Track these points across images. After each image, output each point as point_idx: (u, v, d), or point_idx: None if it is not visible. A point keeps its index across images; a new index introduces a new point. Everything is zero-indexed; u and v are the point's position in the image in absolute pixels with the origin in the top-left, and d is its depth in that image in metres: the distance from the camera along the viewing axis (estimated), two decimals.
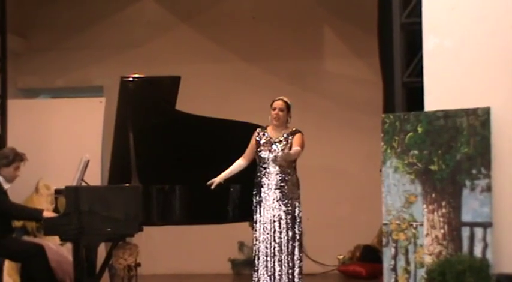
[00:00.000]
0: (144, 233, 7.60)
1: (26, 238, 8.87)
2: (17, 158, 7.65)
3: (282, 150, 7.11)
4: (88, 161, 7.71)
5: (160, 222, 7.67)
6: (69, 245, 8.18)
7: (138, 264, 7.43)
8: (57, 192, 7.68)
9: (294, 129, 7.24)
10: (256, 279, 7.12)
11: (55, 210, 7.68)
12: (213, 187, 7.29)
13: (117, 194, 7.46)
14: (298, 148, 7.02)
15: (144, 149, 7.65)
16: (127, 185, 7.52)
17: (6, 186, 7.58)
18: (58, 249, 8.83)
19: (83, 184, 7.58)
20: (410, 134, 5.92)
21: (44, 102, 11.35)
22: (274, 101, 7.24)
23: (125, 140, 7.64)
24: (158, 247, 9.84)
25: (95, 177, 8.84)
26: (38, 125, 10.25)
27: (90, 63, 11.11)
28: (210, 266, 10.27)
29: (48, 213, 7.50)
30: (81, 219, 7.23)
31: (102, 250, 7.97)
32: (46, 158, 9.82)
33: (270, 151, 7.17)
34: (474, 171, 5.65)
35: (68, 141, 9.85)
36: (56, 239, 8.08)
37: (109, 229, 7.31)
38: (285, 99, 7.26)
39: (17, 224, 9.14)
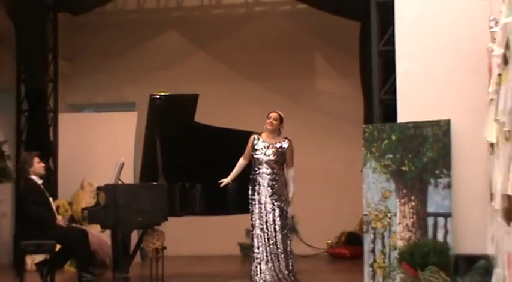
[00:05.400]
0: (169, 222, 7.63)
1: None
2: (33, 155, 7.56)
3: (274, 154, 7.16)
4: (123, 163, 7.73)
5: (181, 213, 7.68)
6: (108, 232, 8.19)
7: (164, 247, 7.44)
8: (98, 188, 7.68)
9: (285, 137, 7.25)
10: (257, 258, 7.15)
11: (96, 203, 7.69)
12: (221, 186, 7.34)
13: (147, 191, 7.49)
14: (293, 193, 7.26)
15: (168, 153, 7.67)
16: (155, 183, 7.55)
17: (39, 181, 7.55)
18: (99, 235, 8.83)
19: (119, 182, 7.61)
20: (386, 141, 5.92)
21: (88, 115, 11.37)
22: (270, 113, 7.28)
23: (153, 146, 7.66)
24: (180, 233, 9.83)
25: (129, 177, 8.86)
26: (83, 134, 10.28)
27: (125, 83, 11.12)
28: (222, 249, 10.27)
29: (60, 221, 7.44)
30: (118, 211, 7.25)
31: (135, 236, 8.00)
32: (89, 161, 9.85)
33: (264, 154, 7.19)
34: (437, 172, 5.67)
35: (106, 147, 9.86)
36: (98, 227, 8.10)
37: (140, 219, 7.33)
38: (279, 112, 7.29)
39: (66, 214, 9.17)
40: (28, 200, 7.33)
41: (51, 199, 7.66)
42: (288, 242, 7.17)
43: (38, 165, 7.46)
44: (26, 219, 7.50)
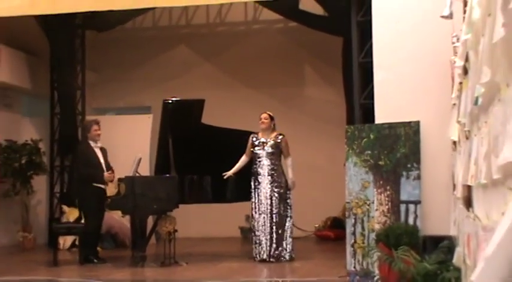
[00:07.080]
0: (180, 209, 7.64)
1: None
2: (92, 123, 7.75)
3: (271, 147, 7.19)
4: (140, 158, 7.74)
5: (190, 201, 7.69)
6: (127, 217, 8.20)
7: (175, 230, 7.46)
8: (120, 180, 7.68)
9: (278, 132, 7.33)
10: (256, 240, 7.17)
11: (118, 193, 7.69)
12: (225, 177, 7.37)
13: (161, 182, 7.50)
14: (293, 180, 7.30)
15: (179, 150, 7.68)
16: (168, 175, 7.56)
17: (93, 144, 7.64)
18: (120, 220, 8.88)
19: (137, 175, 7.62)
20: (365, 139, 5.93)
21: (110, 118, 11.30)
22: (261, 114, 7.43)
23: (166, 144, 7.67)
24: (189, 218, 9.83)
25: (145, 170, 8.87)
26: (105, 134, 10.19)
27: (141, 90, 11.13)
28: (225, 232, 10.28)
29: (107, 177, 7.60)
30: (136, 199, 7.27)
31: (150, 220, 8.00)
32: (112, 157, 9.77)
33: (262, 149, 7.24)
34: (409, 165, 5.68)
35: (126, 145, 9.83)
36: (119, 212, 8.11)
37: (155, 206, 7.35)
38: (269, 112, 7.40)
39: None
40: (79, 162, 7.71)
41: (102, 160, 7.71)
42: (287, 221, 7.19)
43: (94, 132, 7.68)
44: (76, 177, 7.88)
